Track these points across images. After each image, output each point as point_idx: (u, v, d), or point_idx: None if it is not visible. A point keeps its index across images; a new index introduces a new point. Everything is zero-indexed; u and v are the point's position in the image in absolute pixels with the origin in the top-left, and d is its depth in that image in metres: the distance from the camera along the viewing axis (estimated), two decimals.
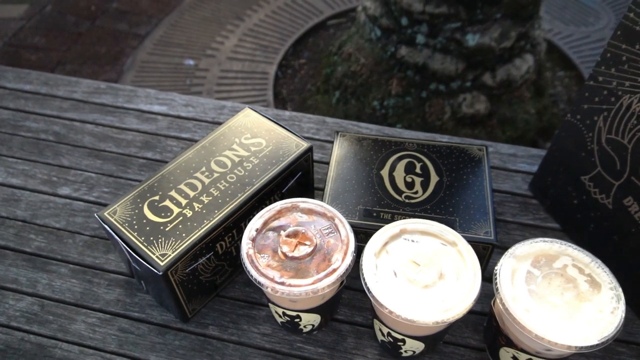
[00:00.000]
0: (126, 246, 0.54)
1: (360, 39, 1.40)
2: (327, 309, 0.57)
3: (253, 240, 0.53)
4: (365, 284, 0.50)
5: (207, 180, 0.61)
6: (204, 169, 0.62)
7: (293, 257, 0.51)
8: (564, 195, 0.69)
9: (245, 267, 0.51)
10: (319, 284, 0.49)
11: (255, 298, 0.64)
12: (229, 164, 0.62)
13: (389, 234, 0.53)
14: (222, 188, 0.60)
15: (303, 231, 0.53)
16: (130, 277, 0.66)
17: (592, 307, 0.48)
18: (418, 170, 0.67)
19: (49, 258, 0.68)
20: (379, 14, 1.28)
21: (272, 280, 0.49)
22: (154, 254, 0.53)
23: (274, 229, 0.54)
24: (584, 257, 0.51)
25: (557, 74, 1.72)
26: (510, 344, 0.51)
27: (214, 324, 0.62)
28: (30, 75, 0.94)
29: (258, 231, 0.54)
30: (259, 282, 0.50)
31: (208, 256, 0.57)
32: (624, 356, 0.59)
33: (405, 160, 0.68)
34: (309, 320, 0.57)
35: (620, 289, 0.48)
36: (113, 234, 0.56)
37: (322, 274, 0.50)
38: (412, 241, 0.53)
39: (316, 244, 0.52)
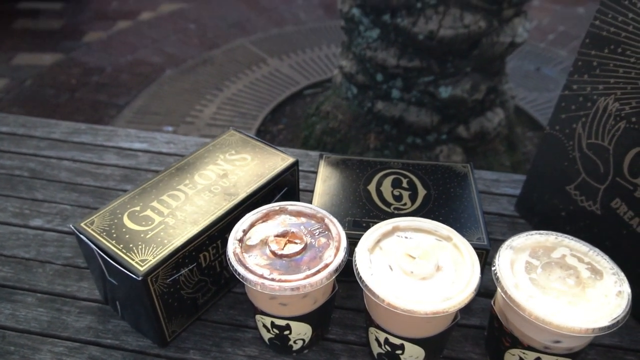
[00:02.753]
0: (103, 254, 0.51)
1: (338, 98, 1.45)
2: (319, 318, 0.53)
3: (240, 240, 0.50)
4: (360, 277, 0.47)
5: (190, 192, 0.59)
6: (187, 181, 0.60)
7: (282, 255, 0.48)
8: (551, 209, 0.69)
9: (232, 266, 0.48)
10: (312, 279, 0.46)
11: (240, 320, 0.60)
12: (213, 176, 0.61)
13: (381, 232, 0.51)
14: (207, 198, 0.58)
15: (293, 231, 0.51)
16: (104, 303, 0.61)
17: (596, 292, 0.46)
18: (405, 185, 0.66)
19: (14, 288, 0.63)
20: (355, 71, 1.34)
21: (261, 276, 0.46)
22: (133, 260, 0.50)
23: (261, 231, 0.52)
24: (582, 247, 0.50)
25: (527, 134, 1.79)
26: (516, 342, 0.48)
27: (195, 347, 0.57)
28: (8, 118, 0.93)
29: (245, 232, 0.51)
30: (247, 280, 0.46)
31: (191, 267, 0.54)
32: None
33: (391, 177, 0.67)
34: (300, 333, 0.53)
35: (622, 273, 0.47)
36: (89, 243, 0.52)
37: (314, 269, 0.47)
38: (406, 237, 0.51)
39: (306, 243, 0.50)
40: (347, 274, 0.62)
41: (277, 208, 0.54)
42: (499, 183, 0.81)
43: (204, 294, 0.58)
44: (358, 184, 0.66)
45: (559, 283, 0.46)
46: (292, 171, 0.64)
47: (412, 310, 0.44)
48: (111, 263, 0.50)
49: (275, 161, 0.63)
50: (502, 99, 1.41)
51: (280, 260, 0.48)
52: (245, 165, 0.63)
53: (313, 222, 0.53)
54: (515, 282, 0.47)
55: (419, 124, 1.25)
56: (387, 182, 0.67)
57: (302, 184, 0.80)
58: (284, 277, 0.46)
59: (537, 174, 0.71)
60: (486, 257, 0.59)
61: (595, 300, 0.45)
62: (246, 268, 0.47)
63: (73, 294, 0.62)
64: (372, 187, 0.66)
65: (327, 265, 0.48)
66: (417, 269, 0.47)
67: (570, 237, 0.51)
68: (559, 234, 0.51)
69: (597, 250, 0.49)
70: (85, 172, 0.81)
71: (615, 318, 0.43)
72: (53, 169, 0.82)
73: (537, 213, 0.72)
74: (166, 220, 0.55)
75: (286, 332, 0.52)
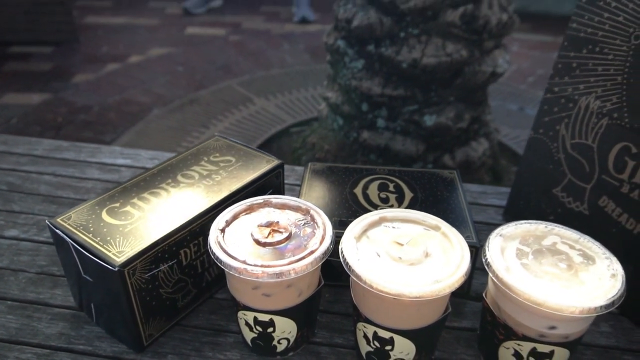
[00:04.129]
0: (78, 247, 0.49)
1: (324, 129, 1.46)
2: (304, 315, 0.50)
3: (222, 230, 0.49)
4: (346, 263, 0.45)
5: (173, 190, 0.57)
6: (170, 180, 0.59)
7: (266, 243, 0.47)
8: (539, 215, 0.68)
9: (213, 253, 0.46)
10: (296, 264, 0.44)
11: (222, 325, 0.57)
12: (196, 176, 0.60)
13: (368, 221, 0.50)
14: (189, 195, 0.56)
15: (277, 221, 0.50)
16: (79, 310, 0.58)
17: (590, 276, 0.44)
18: (391, 188, 0.66)
19: None
20: (341, 102, 1.36)
21: (243, 262, 0.44)
22: (109, 252, 0.48)
23: (245, 222, 0.50)
24: (572, 235, 0.49)
25: (512, 169, 1.80)
26: (510, 333, 0.46)
27: (174, 352, 0.53)
28: None
29: (227, 222, 0.50)
30: (228, 266, 0.44)
31: (171, 264, 0.52)
32: None
33: (378, 181, 0.67)
34: (284, 331, 0.50)
35: (615, 258, 0.46)
36: (64, 236, 0.50)
37: (299, 256, 0.45)
38: (393, 227, 0.50)
39: (291, 232, 0.48)
40: (333, 277, 0.60)
41: (261, 201, 0.52)
42: (486, 195, 0.81)
43: (184, 295, 0.55)
44: (344, 187, 0.65)
45: (551, 267, 0.45)
46: (276, 173, 0.63)
47: (400, 294, 0.42)
48: (86, 256, 0.48)
49: (260, 163, 0.63)
50: (486, 130, 1.44)
51: (263, 248, 0.47)
52: (230, 167, 0.62)
53: (298, 214, 0.51)
54: (507, 265, 0.45)
55: (405, 152, 1.26)
56: (374, 186, 0.66)
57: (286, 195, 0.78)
58: (267, 263, 0.44)
59: (523, 180, 0.71)
60: (476, 255, 0.58)
61: (589, 283, 0.44)
62: (228, 254, 0.45)
63: (45, 301, 0.59)
64: (358, 191, 0.65)
65: (312, 252, 0.46)
66: (406, 255, 0.46)
67: (560, 225, 0.50)
68: (549, 223, 0.50)
69: (588, 237, 0.48)
70: (65, 186, 0.79)
71: (611, 298, 0.42)
72: (32, 182, 0.80)
73: (525, 219, 0.72)
74: (146, 215, 0.53)
75: (270, 330, 0.50)
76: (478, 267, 0.64)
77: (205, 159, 0.63)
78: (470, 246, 0.56)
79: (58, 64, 2.60)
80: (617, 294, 0.42)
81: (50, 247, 0.67)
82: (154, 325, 0.53)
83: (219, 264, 0.45)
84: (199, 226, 0.54)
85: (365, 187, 0.65)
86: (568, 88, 0.62)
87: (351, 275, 0.45)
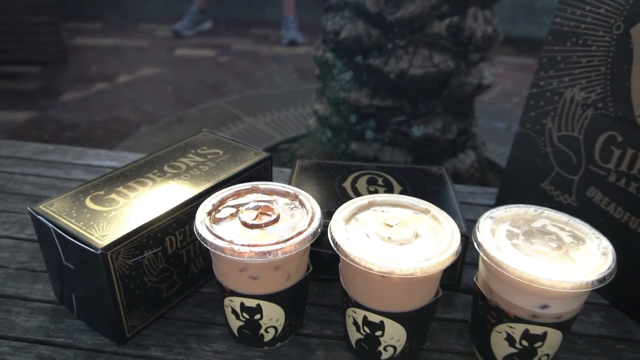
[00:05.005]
0: (60, 232, 0.47)
1: (312, 142, 1.46)
2: (292, 301, 0.49)
3: (209, 213, 0.48)
4: (335, 242, 0.44)
5: (159, 179, 0.56)
6: (156, 170, 0.58)
7: (254, 225, 0.46)
8: None
9: (199, 234, 0.45)
10: (284, 244, 0.43)
11: (208, 318, 0.55)
12: (183, 167, 0.59)
13: (357, 205, 0.50)
14: (176, 184, 0.55)
15: (265, 204, 0.49)
16: (59, 304, 0.56)
17: (581, 254, 0.44)
18: (380, 182, 0.65)
19: None
20: (329, 114, 1.36)
21: (230, 242, 0.44)
22: (92, 235, 0.47)
23: (232, 206, 0.49)
24: (562, 217, 0.49)
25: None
26: (502, 316, 0.45)
27: (157, 344, 0.52)
28: None
29: (215, 207, 0.49)
30: (215, 246, 0.43)
31: (156, 251, 0.51)
32: (626, 352, 0.53)
33: (366, 176, 0.66)
34: (272, 318, 0.49)
35: (605, 237, 0.46)
36: (46, 222, 0.49)
37: (287, 236, 0.45)
38: (382, 211, 0.49)
39: (279, 214, 0.48)
40: (321, 270, 0.59)
41: (249, 187, 0.52)
42: (475, 195, 0.81)
43: (169, 286, 0.54)
44: (333, 181, 0.65)
45: (542, 246, 0.44)
46: (265, 166, 0.62)
47: (391, 272, 0.41)
48: (68, 241, 0.47)
49: (248, 155, 0.62)
50: (473, 142, 1.44)
51: (251, 230, 0.46)
52: (218, 158, 0.61)
53: (286, 199, 0.51)
54: (498, 245, 0.45)
55: (393, 163, 1.26)
56: (363, 180, 0.65)
57: None
58: (254, 243, 0.43)
59: (512, 176, 0.72)
60: (466, 244, 0.58)
61: (580, 260, 0.43)
62: (215, 235, 0.44)
63: (25, 296, 0.57)
64: (347, 185, 0.64)
65: (300, 233, 0.45)
66: (395, 235, 0.45)
67: (550, 209, 0.50)
68: (538, 207, 0.50)
69: (577, 219, 0.48)
70: (50, 186, 0.78)
71: (602, 273, 0.41)
72: (16, 183, 0.78)
73: None
74: (132, 202, 0.52)
75: (257, 317, 0.48)
76: (468, 262, 0.63)
77: (193, 151, 0.63)
78: (462, 235, 0.56)
79: (46, 83, 2.59)
80: (608, 269, 0.42)
81: (32, 244, 0.65)
82: (137, 316, 0.52)
83: (204, 244, 0.44)
84: (185, 214, 0.53)
85: (354, 182, 0.65)
86: (553, 81, 0.63)
87: (340, 255, 0.44)
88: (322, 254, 0.59)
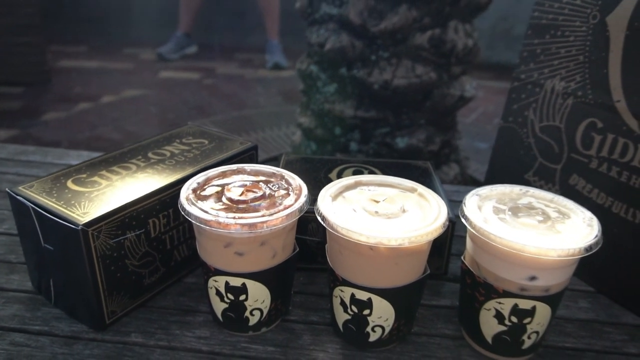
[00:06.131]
0: (40, 210, 0.46)
1: (297, 156, 1.46)
2: (278, 282, 0.48)
3: (194, 190, 0.47)
4: (322, 216, 0.44)
5: (143, 164, 0.55)
6: (140, 157, 0.57)
7: (240, 201, 0.45)
8: None
9: (184, 209, 0.44)
10: (270, 217, 0.43)
11: (191, 306, 0.54)
12: (168, 154, 0.58)
13: (343, 184, 0.49)
14: (160, 168, 0.55)
15: (252, 183, 0.48)
16: (37, 293, 0.54)
17: (566, 227, 0.44)
18: (366, 174, 0.65)
19: None
20: (314, 126, 1.37)
21: (215, 215, 0.43)
22: (73, 213, 0.46)
23: (218, 185, 0.49)
24: (546, 195, 0.49)
25: None
26: (490, 291, 0.45)
27: (138, 331, 0.50)
28: None
29: (200, 185, 0.48)
30: (200, 219, 0.43)
31: (138, 232, 0.49)
32: (613, 335, 0.52)
33: (352, 169, 0.66)
34: (257, 300, 0.47)
35: (590, 212, 0.46)
36: (25, 201, 0.48)
37: (274, 210, 0.44)
38: (369, 190, 0.49)
39: (265, 192, 0.47)
40: (307, 260, 0.59)
41: (235, 168, 0.51)
42: (460, 193, 0.81)
43: (151, 272, 0.53)
44: (319, 173, 0.65)
45: (528, 219, 0.44)
46: (250, 155, 0.62)
47: (378, 242, 0.41)
48: (48, 219, 0.45)
49: (234, 145, 0.62)
50: (456, 156, 1.46)
51: (237, 205, 0.45)
52: (203, 147, 0.61)
53: (272, 179, 0.50)
54: (485, 217, 0.45)
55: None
56: (349, 171, 0.65)
57: None
58: (239, 215, 0.43)
59: (496, 170, 0.72)
60: (452, 230, 0.57)
61: (566, 232, 0.43)
62: (200, 209, 0.44)
63: (0, 286, 0.55)
64: (333, 175, 0.64)
65: (287, 207, 0.45)
66: (383, 209, 0.45)
67: (534, 188, 0.50)
68: (523, 186, 0.50)
69: (562, 197, 0.48)
70: None
71: (589, 242, 0.41)
72: None
73: None
74: (115, 184, 0.51)
75: (242, 297, 0.47)
76: (454, 253, 0.63)
77: (178, 140, 0.62)
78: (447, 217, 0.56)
79: (28, 103, 2.57)
80: (594, 238, 0.42)
81: (9, 237, 0.63)
82: (118, 302, 0.50)
83: (188, 218, 0.44)
84: (169, 196, 0.52)
85: (340, 173, 0.65)
86: (534, 74, 0.64)
87: (327, 229, 0.43)
88: (308, 242, 0.58)
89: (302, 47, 1.40)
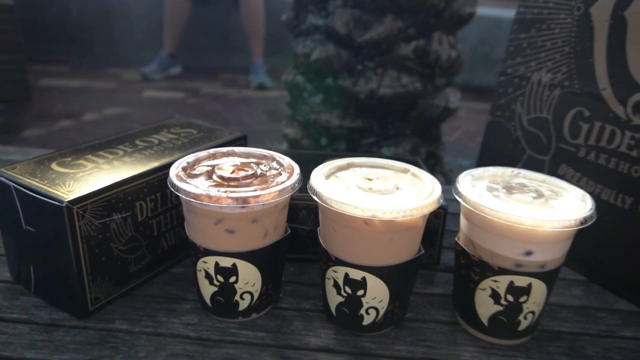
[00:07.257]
0: (22, 189, 0.45)
1: (285, 150, 1.46)
2: (269, 263, 0.47)
3: (184, 169, 0.46)
4: (315, 191, 0.43)
5: (130, 150, 0.54)
6: (127, 144, 0.56)
7: (231, 179, 0.44)
8: None
9: (173, 185, 0.43)
10: (262, 192, 0.42)
11: (178, 295, 0.52)
12: (156, 142, 0.57)
13: (336, 165, 0.49)
14: (148, 154, 0.53)
15: (242, 162, 0.48)
16: (15, 282, 0.52)
17: (560, 203, 0.44)
18: None
19: None
20: (300, 137, 1.37)
21: (207, 190, 0.42)
22: (58, 191, 0.44)
23: (208, 165, 0.48)
24: (538, 176, 0.49)
25: None
26: (485, 270, 0.44)
27: (123, 318, 0.48)
28: None
29: (190, 164, 0.47)
30: (190, 193, 0.41)
31: (125, 215, 0.48)
32: (607, 319, 0.52)
33: None
34: (247, 282, 0.46)
35: (582, 190, 0.46)
36: (6, 181, 0.46)
37: (266, 185, 0.43)
38: (362, 170, 0.49)
39: (257, 171, 0.46)
40: (299, 250, 0.57)
41: (225, 150, 0.50)
42: (448, 192, 0.81)
43: (137, 258, 0.51)
44: (308, 165, 0.64)
45: (522, 196, 0.44)
46: (240, 144, 0.61)
47: (373, 215, 0.40)
48: (31, 198, 0.44)
49: (223, 135, 0.61)
50: (441, 168, 1.47)
51: (228, 183, 0.44)
52: (192, 136, 0.60)
53: (263, 160, 0.50)
54: (479, 193, 0.44)
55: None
56: None
57: None
58: (231, 189, 0.42)
59: (484, 164, 0.72)
60: (445, 218, 0.57)
61: (560, 207, 0.43)
62: (190, 185, 0.43)
63: None
64: None
65: (279, 184, 0.44)
66: (376, 186, 0.44)
67: (526, 170, 0.50)
68: (515, 168, 0.50)
69: (554, 177, 0.49)
70: None
71: (584, 214, 0.41)
72: None
73: None
74: (101, 167, 0.50)
75: (232, 280, 0.46)
76: (446, 246, 0.62)
77: (166, 130, 0.61)
78: (440, 208, 0.55)
79: (8, 119, 2.53)
80: (588, 212, 0.42)
81: None
82: (102, 288, 0.48)
83: (177, 194, 0.42)
84: (157, 180, 0.50)
85: None
86: (520, 67, 0.65)
87: (320, 204, 0.43)
88: (299, 230, 0.57)
89: (287, 67, 1.42)
